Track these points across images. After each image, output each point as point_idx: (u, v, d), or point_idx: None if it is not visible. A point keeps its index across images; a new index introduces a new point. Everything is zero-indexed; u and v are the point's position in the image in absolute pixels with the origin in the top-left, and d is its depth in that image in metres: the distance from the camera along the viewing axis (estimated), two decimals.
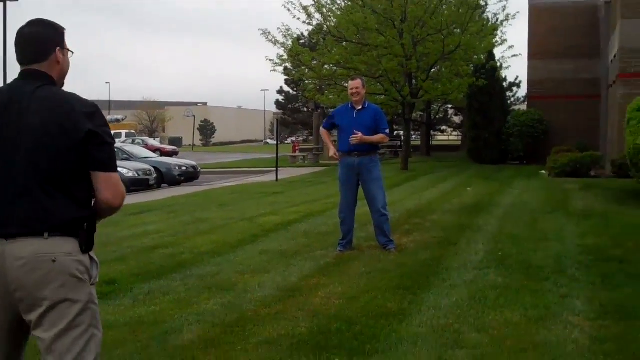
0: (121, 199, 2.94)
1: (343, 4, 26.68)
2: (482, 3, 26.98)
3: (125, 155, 23.39)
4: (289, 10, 25.90)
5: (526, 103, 34.68)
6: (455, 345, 4.81)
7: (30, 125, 2.80)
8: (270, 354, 4.74)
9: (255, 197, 16.96)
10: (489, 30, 29.04)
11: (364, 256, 8.20)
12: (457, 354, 4.65)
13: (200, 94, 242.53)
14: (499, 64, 31.35)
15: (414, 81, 26.39)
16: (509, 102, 38.55)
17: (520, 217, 11.13)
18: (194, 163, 25.59)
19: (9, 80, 3.32)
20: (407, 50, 24.37)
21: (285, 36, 26.66)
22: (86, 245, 2.87)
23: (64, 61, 3.00)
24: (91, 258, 2.92)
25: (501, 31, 30.32)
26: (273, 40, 26.34)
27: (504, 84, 36.30)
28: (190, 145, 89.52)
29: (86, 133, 2.77)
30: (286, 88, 68.02)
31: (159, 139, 73.16)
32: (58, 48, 2.96)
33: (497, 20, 29.34)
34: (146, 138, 57.84)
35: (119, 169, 3.07)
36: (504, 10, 37.53)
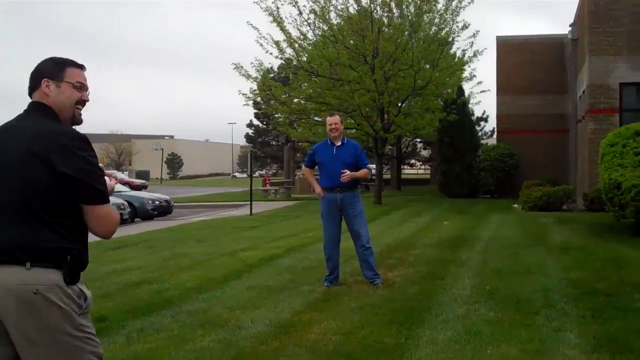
0: (111, 230, 2.96)
1: (315, 39, 26.90)
2: (449, 39, 27.36)
3: None
4: (261, 45, 26.03)
5: (494, 137, 35.15)
6: None
7: (11, 157, 2.84)
8: None
9: (232, 231, 16.91)
10: (457, 66, 29.48)
11: (352, 291, 8.21)
12: None
13: (167, 127, 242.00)
14: (468, 99, 31.76)
15: (385, 116, 26.64)
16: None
17: (502, 251, 11.24)
18: (167, 197, 25.45)
19: None
20: (379, 86, 24.61)
21: (258, 70, 26.77)
22: (70, 278, 2.83)
23: (54, 93, 3.01)
24: (80, 289, 2.90)
25: (469, 66, 30.83)
26: (246, 74, 26.42)
27: (473, 118, 36.80)
28: (157, 178, 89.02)
29: (61, 174, 2.79)
30: (256, 122, 68.13)
31: (127, 172, 72.62)
32: (45, 79, 3.00)
33: (465, 55, 29.81)
34: (114, 171, 57.33)
35: None
36: (471, 46, 38.04)
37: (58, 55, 3.14)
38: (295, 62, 27.83)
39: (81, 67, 3.13)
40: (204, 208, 29.83)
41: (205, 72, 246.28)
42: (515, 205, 22.17)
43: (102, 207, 2.89)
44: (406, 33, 25.29)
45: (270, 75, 30.48)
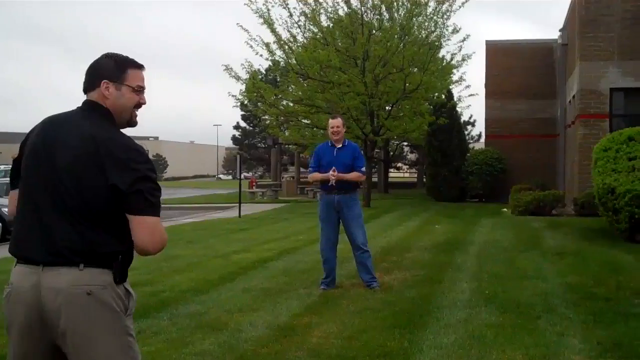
0: (156, 245, 2.82)
1: (305, 41, 26.83)
2: (438, 43, 27.33)
3: None
4: (251, 46, 25.96)
5: (481, 141, 35.06)
6: None
7: (63, 160, 2.77)
8: None
9: (222, 233, 16.79)
10: (447, 70, 29.52)
11: (350, 294, 8.15)
12: None
13: (152, 128, 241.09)
14: (456, 103, 31.80)
15: (375, 119, 26.62)
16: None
17: (496, 255, 11.20)
18: None
19: None
20: (369, 89, 24.59)
21: (248, 72, 26.69)
22: (120, 277, 2.81)
23: (114, 96, 2.91)
24: (126, 289, 2.87)
25: (458, 70, 30.86)
26: (235, 76, 26.32)
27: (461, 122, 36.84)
28: None
29: (112, 186, 2.72)
30: (243, 124, 68.02)
31: None
32: (105, 81, 2.89)
33: (453, 59, 29.81)
34: None
35: None
36: (460, 50, 38.12)
37: (116, 52, 3.00)
38: (284, 64, 27.79)
39: (141, 67, 3.02)
40: (191, 210, 29.65)
41: (190, 73, 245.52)
42: (505, 209, 22.19)
43: (149, 218, 2.77)
44: (396, 36, 25.28)
45: (259, 77, 30.36)
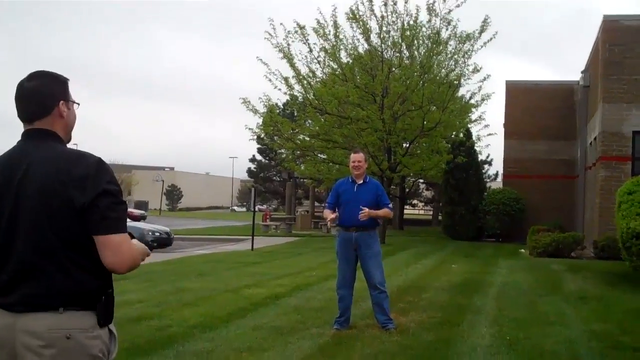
0: (123, 265, 2.60)
1: (324, 77, 26.77)
2: (458, 83, 27.17)
3: None
4: (270, 80, 25.94)
5: (498, 180, 34.66)
6: None
7: (29, 195, 2.57)
8: None
9: (234, 266, 16.49)
10: (466, 109, 29.31)
11: (364, 336, 7.81)
12: None
13: (168, 159, 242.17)
14: (475, 142, 31.58)
15: (392, 156, 26.40)
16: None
17: (517, 299, 10.84)
18: (167, 229, 24.95)
19: None
20: (387, 125, 24.40)
21: (265, 106, 26.63)
22: (104, 319, 2.62)
23: (69, 114, 2.77)
24: (110, 331, 2.67)
25: (477, 109, 30.68)
26: (253, 109, 26.25)
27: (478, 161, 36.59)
28: (156, 209, 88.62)
29: (81, 205, 2.53)
30: (259, 157, 68.02)
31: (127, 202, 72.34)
32: (61, 101, 2.73)
33: (472, 98, 29.62)
34: None
35: None
36: (480, 89, 37.97)
37: (43, 70, 2.80)
38: (302, 99, 27.71)
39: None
40: (203, 241, 29.39)
41: (207, 106, 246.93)
42: (522, 250, 21.79)
43: (115, 236, 2.56)
44: (416, 74, 25.13)
45: (277, 111, 30.32)
